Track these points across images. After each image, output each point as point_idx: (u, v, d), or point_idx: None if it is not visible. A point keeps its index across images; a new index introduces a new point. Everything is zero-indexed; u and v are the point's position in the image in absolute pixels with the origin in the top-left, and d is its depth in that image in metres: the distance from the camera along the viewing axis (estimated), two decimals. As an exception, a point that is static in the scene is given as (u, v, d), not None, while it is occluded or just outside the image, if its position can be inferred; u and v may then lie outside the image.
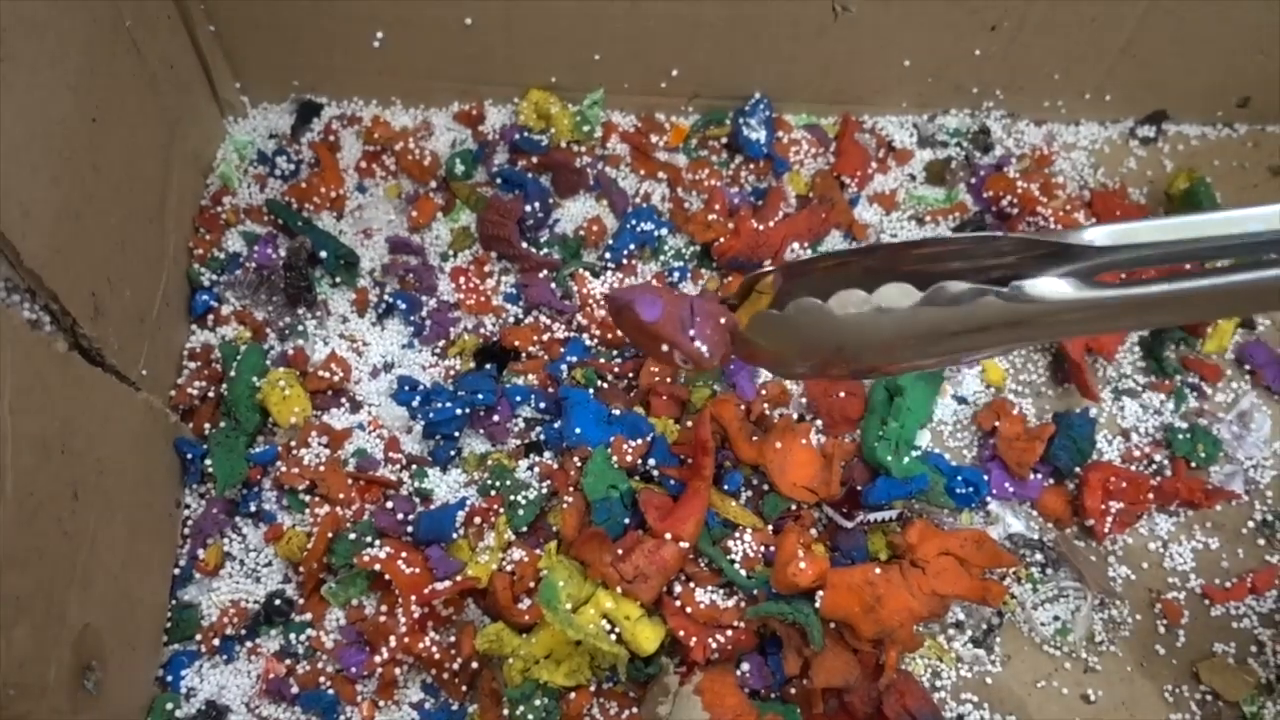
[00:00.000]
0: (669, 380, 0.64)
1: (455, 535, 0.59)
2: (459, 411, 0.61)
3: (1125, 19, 0.67)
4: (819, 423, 0.64)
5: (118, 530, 0.54)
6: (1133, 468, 0.66)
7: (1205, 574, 0.64)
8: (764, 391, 0.64)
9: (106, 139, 0.54)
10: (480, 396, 0.62)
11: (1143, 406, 0.68)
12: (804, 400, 0.66)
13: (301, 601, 0.60)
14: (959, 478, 0.62)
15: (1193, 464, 0.66)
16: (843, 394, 0.64)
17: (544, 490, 0.61)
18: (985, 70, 0.71)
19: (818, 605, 0.56)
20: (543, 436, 0.63)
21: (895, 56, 0.70)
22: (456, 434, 0.63)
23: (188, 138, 0.66)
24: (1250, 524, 0.66)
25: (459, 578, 0.57)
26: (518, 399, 0.63)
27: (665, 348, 0.48)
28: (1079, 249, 0.40)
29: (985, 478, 0.63)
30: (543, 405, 0.63)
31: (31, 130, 0.47)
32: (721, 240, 0.68)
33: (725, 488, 0.61)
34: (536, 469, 0.62)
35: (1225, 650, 0.62)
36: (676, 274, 0.69)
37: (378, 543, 0.59)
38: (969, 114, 0.76)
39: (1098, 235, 0.40)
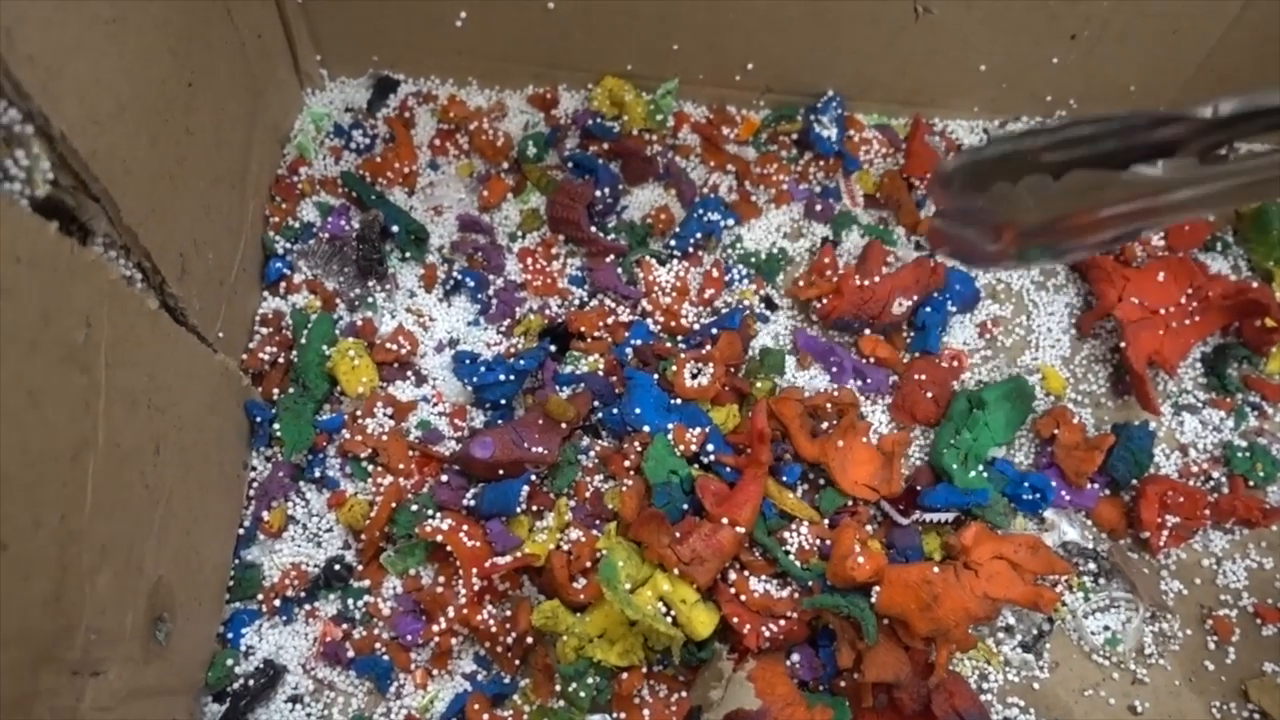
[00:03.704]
0: (731, 371, 0.65)
1: (519, 510, 0.59)
2: (502, 377, 0.62)
3: (1209, 33, 0.67)
4: (883, 418, 0.65)
5: (191, 487, 0.55)
6: (1190, 483, 0.66)
7: (1258, 593, 0.64)
8: (835, 393, 0.64)
9: (200, 103, 0.55)
10: (522, 363, 0.63)
11: (1202, 423, 0.68)
12: (864, 398, 0.66)
13: (360, 568, 0.61)
14: (1025, 484, 0.62)
15: (1250, 483, 0.66)
16: (929, 395, 0.64)
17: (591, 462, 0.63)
18: (1061, 78, 0.71)
19: (873, 600, 0.56)
20: (600, 417, 0.64)
21: (972, 60, 0.70)
22: (506, 402, 0.64)
23: (269, 107, 0.68)
24: (1306, 546, 0.66)
25: (518, 554, 0.58)
26: (564, 384, 0.63)
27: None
28: (1203, 123, 0.42)
29: (1053, 484, 0.63)
30: (597, 389, 0.64)
31: (136, 90, 0.48)
32: (825, 300, 0.67)
33: (783, 479, 0.61)
34: (593, 451, 0.63)
35: (1275, 670, 0.62)
36: (734, 273, 0.69)
37: (438, 515, 0.60)
38: (1040, 122, 0.75)
39: (1224, 106, 0.41)
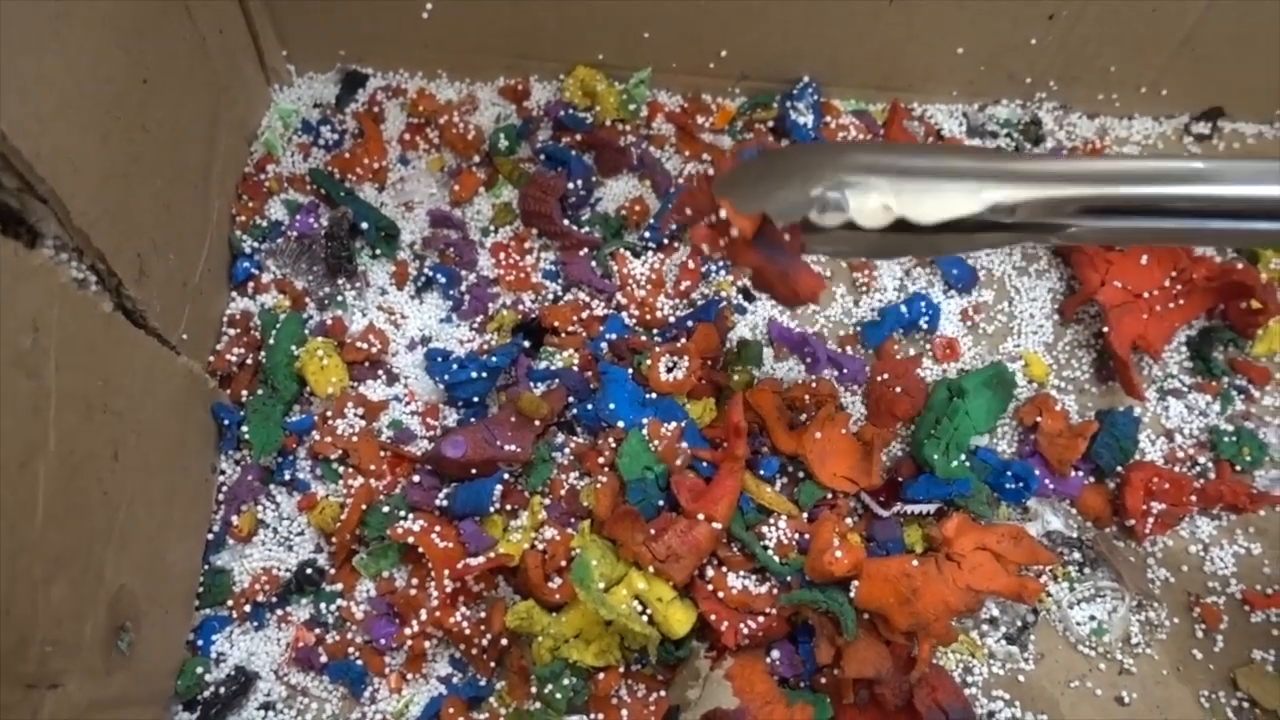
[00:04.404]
0: (707, 364, 0.64)
1: (492, 509, 0.58)
2: (475, 375, 0.61)
3: (1188, 11, 0.66)
4: (861, 409, 0.64)
5: (155, 493, 0.54)
6: (1176, 469, 0.65)
7: (1246, 579, 0.63)
8: (814, 384, 0.63)
9: (156, 101, 0.54)
10: (495, 360, 0.62)
11: (1188, 407, 0.67)
12: (842, 387, 0.65)
13: (333, 571, 0.60)
14: (1009, 473, 0.61)
15: (1238, 467, 0.65)
16: (899, 390, 0.63)
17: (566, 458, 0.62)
18: (1040, 60, 0.70)
19: (852, 595, 0.55)
20: (575, 413, 0.62)
21: (949, 43, 0.69)
22: (479, 400, 0.63)
23: (234, 104, 0.66)
24: (1294, 531, 0.64)
25: (492, 554, 0.57)
26: (538, 381, 0.63)
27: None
28: None
29: (1036, 472, 0.62)
30: (572, 385, 0.63)
31: (83, 88, 0.47)
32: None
33: (761, 473, 0.60)
34: (568, 448, 0.62)
35: (1264, 657, 0.61)
36: (711, 264, 0.68)
37: (410, 516, 0.59)
38: (1020, 105, 0.74)
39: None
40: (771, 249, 0.46)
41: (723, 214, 0.46)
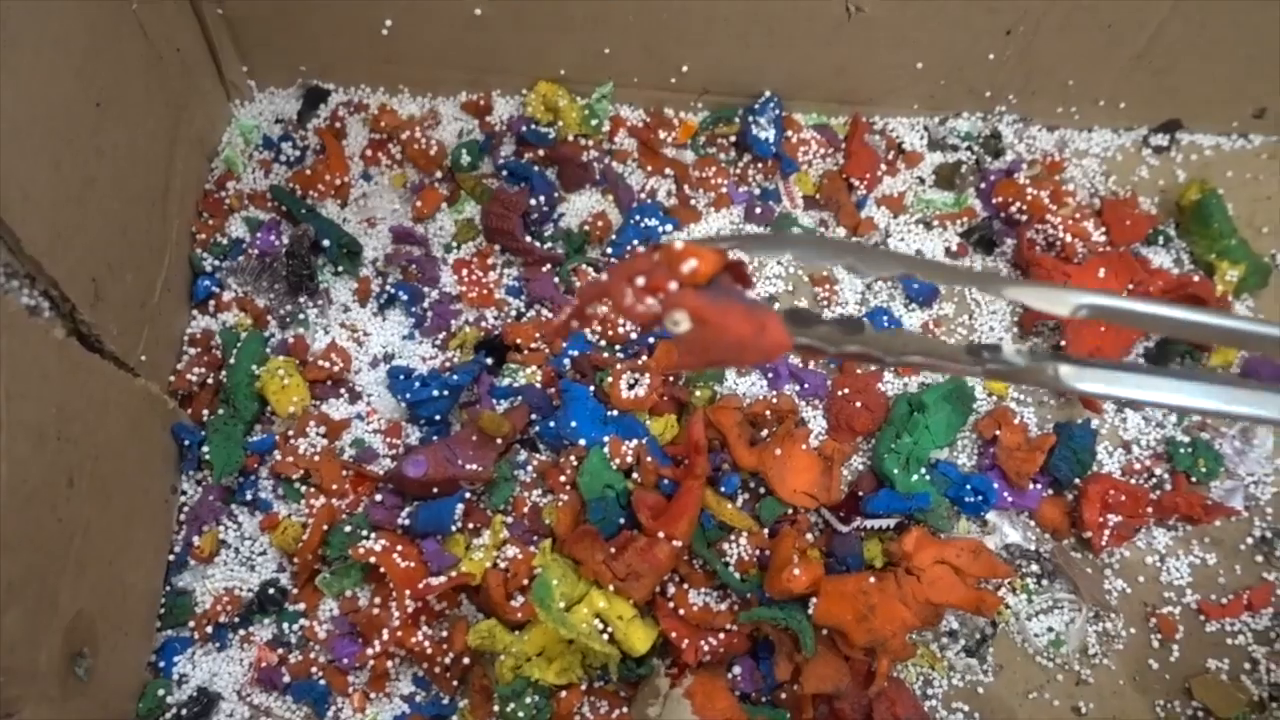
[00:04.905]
0: (669, 381, 0.64)
1: (454, 528, 0.58)
2: (436, 393, 0.61)
3: (1143, 25, 0.66)
4: (822, 423, 0.64)
5: (113, 516, 0.54)
6: (1133, 480, 0.65)
7: (1202, 589, 0.64)
8: (775, 400, 0.64)
9: (111, 122, 0.54)
10: (456, 378, 0.62)
11: (1145, 419, 0.68)
12: (803, 402, 0.65)
13: (295, 591, 0.60)
14: (968, 486, 0.62)
15: (1193, 479, 0.66)
16: (859, 404, 0.64)
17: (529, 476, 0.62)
18: (999, 74, 0.71)
19: (811, 611, 0.56)
20: (537, 431, 0.63)
21: (908, 58, 0.69)
22: (441, 418, 0.63)
23: (193, 121, 0.66)
24: (1249, 540, 0.65)
25: (453, 573, 0.57)
26: (501, 398, 0.63)
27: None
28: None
29: (995, 485, 0.62)
30: (534, 402, 0.63)
31: (33, 114, 0.47)
32: None
33: (722, 490, 0.61)
34: (531, 466, 0.62)
35: (1219, 667, 0.62)
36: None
37: (373, 535, 0.59)
38: (981, 118, 0.75)
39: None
40: (728, 292, 0.41)
41: (676, 248, 0.41)
